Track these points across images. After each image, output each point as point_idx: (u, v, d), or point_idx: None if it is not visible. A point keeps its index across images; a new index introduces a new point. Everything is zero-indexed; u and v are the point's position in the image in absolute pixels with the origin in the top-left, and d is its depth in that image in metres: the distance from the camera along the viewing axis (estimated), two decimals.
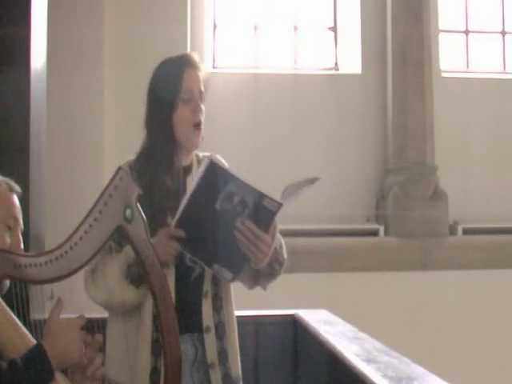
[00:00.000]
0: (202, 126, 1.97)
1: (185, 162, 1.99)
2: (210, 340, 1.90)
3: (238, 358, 1.98)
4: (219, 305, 1.94)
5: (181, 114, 1.93)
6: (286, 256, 1.95)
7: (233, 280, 1.85)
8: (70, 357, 1.43)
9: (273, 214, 1.76)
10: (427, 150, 5.14)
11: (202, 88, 1.98)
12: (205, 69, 2.00)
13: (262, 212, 1.75)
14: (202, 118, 1.97)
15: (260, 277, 1.93)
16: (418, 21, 5.15)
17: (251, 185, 1.74)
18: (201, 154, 2.03)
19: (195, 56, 1.99)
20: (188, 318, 1.87)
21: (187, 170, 1.99)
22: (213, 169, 1.73)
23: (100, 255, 1.84)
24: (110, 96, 4.59)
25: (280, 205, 1.73)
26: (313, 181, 1.89)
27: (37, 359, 1.38)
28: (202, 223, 1.78)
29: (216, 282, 1.93)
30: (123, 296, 1.81)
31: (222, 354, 1.91)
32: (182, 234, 1.77)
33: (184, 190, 1.92)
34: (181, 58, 1.99)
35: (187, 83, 1.94)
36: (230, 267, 1.82)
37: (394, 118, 5.16)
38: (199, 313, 1.90)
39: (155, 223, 1.81)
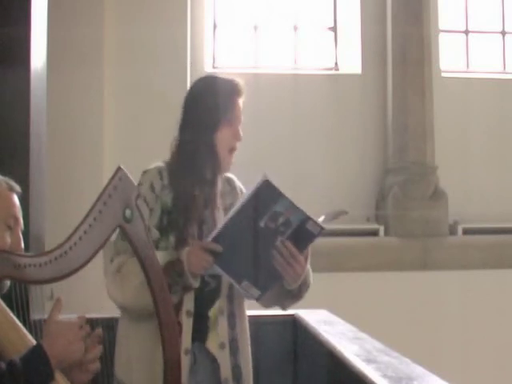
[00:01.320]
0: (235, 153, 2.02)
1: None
2: (225, 356, 1.91)
3: (251, 372, 2.01)
4: (233, 321, 1.95)
5: (222, 135, 1.97)
6: (312, 280, 2.01)
7: (259, 298, 1.87)
8: (69, 356, 1.43)
9: (313, 236, 1.81)
10: (427, 150, 5.14)
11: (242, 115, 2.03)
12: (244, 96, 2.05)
13: (304, 233, 1.80)
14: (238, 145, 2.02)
15: (287, 298, 1.96)
16: (418, 21, 5.15)
17: (299, 206, 1.78)
18: None
19: (243, 83, 2.04)
20: (195, 329, 1.88)
21: (212, 184, 2.00)
22: (265, 187, 1.76)
23: (124, 256, 1.85)
24: (110, 96, 4.60)
25: (322, 229, 1.79)
26: (342, 213, 2.00)
27: (37, 359, 1.37)
28: (242, 240, 1.80)
29: (231, 298, 1.95)
30: (145, 302, 1.76)
31: (236, 370, 1.93)
32: (219, 248, 1.78)
33: (211, 202, 1.96)
34: (233, 83, 2.03)
35: (235, 109, 1.99)
36: (259, 285, 1.84)
37: (394, 118, 5.16)
38: (212, 328, 1.92)
39: (183, 230, 1.86)
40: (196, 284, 1.82)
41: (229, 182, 2.07)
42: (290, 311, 2.83)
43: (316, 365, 2.48)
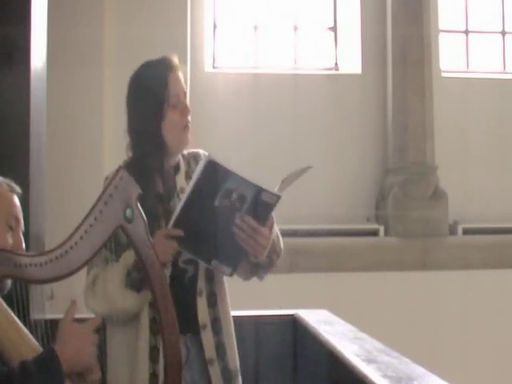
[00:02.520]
0: (190, 125, 1.96)
1: (173, 162, 1.99)
2: (207, 336, 1.91)
3: (236, 351, 1.99)
4: (213, 301, 1.95)
5: (170, 120, 1.91)
6: (282, 246, 1.96)
7: (231, 274, 1.87)
8: (81, 360, 1.42)
9: (271, 206, 1.78)
10: (427, 149, 5.14)
11: (185, 88, 1.97)
12: (183, 67, 1.99)
13: (261, 205, 1.77)
14: (190, 118, 1.96)
15: (258, 269, 1.94)
16: (418, 21, 5.15)
17: (249, 180, 1.75)
18: (185, 152, 2.03)
19: (174, 57, 1.97)
20: (182, 317, 1.87)
21: (176, 169, 1.99)
22: (211, 167, 1.73)
23: (97, 268, 1.85)
24: (110, 96, 4.59)
25: (278, 197, 1.76)
26: (305, 170, 1.90)
27: (49, 363, 1.37)
28: (201, 221, 1.78)
29: (209, 278, 1.94)
30: (125, 304, 1.81)
31: (220, 349, 1.93)
32: (180, 233, 1.77)
33: (175, 190, 1.94)
34: (161, 62, 1.96)
35: (172, 88, 1.92)
36: (229, 262, 1.84)
37: (394, 118, 5.16)
38: (194, 312, 1.91)
39: (150, 227, 1.83)
40: (167, 272, 1.80)
41: (195, 158, 2.02)
42: (290, 311, 2.84)
43: (316, 365, 2.48)
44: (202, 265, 1.89)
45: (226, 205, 1.75)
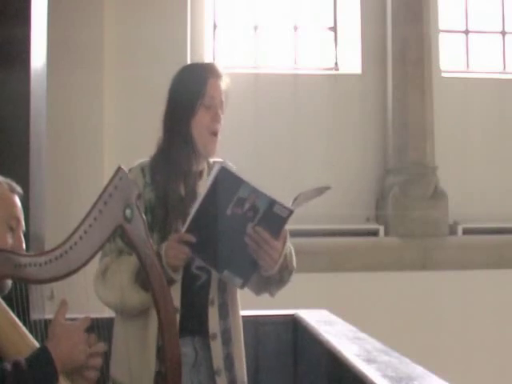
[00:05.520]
0: (219, 135, 1.98)
1: (199, 167, 2.00)
2: (216, 346, 1.90)
3: (244, 363, 1.99)
4: (225, 311, 1.94)
5: (200, 119, 1.94)
6: (295, 265, 1.95)
7: (243, 287, 1.87)
8: (73, 359, 1.43)
9: (283, 220, 1.77)
10: (427, 149, 5.14)
11: (223, 98, 2.00)
12: (226, 79, 2.03)
13: (273, 218, 1.76)
14: (220, 127, 1.98)
15: (270, 284, 1.93)
16: (417, 20, 5.16)
17: (262, 190, 1.75)
18: (211, 160, 2.03)
19: (219, 65, 2.04)
20: (193, 323, 1.89)
21: (199, 175, 1.99)
22: (224, 174, 1.74)
23: (110, 257, 1.86)
24: (110, 96, 4.59)
25: (291, 211, 1.75)
26: (323, 190, 1.89)
27: (42, 362, 1.37)
28: (213, 228, 1.78)
29: (222, 288, 1.94)
30: (132, 299, 1.81)
31: (228, 360, 1.92)
32: (192, 239, 1.77)
33: (195, 195, 1.93)
34: (206, 65, 2.04)
35: (210, 90, 1.96)
36: (240, 274, 1.84)
37: (393, 118, 5.16)
38: (205, 319, 1.91)
39: (167, 227, 1.85)
40: (176, 277, 1.81)
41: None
42: (290, 311, 2.84)
43: (316, 365, 2.48)
44: (215, 274, 1.89)
45: (239, 214, 1.75)
